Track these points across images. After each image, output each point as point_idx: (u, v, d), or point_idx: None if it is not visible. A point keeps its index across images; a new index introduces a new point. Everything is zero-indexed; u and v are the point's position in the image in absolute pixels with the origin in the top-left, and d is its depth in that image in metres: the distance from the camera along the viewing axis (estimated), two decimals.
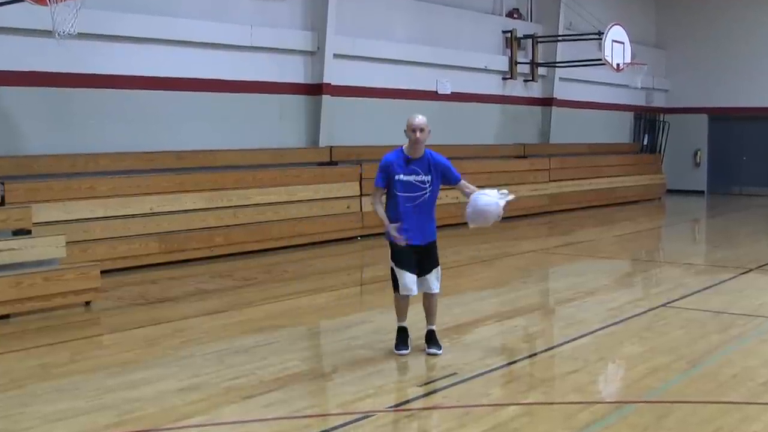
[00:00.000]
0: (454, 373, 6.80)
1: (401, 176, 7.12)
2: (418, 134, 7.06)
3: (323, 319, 9.28)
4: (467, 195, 7.23)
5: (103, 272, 9.95)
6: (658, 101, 26.87)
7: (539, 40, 21.28)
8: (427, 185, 7.13)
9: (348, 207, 15.26)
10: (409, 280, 7.18)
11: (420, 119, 7.09)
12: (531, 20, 21.94)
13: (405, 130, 7.15)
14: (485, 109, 20.10)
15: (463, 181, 7.33)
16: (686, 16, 26.55)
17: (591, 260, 13.59)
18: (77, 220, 11.43)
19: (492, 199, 7.00)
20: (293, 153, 15.29)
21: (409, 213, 7.13)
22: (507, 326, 8.79)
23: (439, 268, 7.32)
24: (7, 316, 8.85)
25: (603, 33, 19.87)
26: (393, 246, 7.20)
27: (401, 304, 7.39)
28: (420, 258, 7.21)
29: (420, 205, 7.14)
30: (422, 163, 7.15)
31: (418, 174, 7.12)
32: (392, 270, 7.31)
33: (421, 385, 6.61)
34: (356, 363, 7.12)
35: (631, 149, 25.78)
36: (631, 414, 5.99)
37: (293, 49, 15.42)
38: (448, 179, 7.26)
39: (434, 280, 7.28)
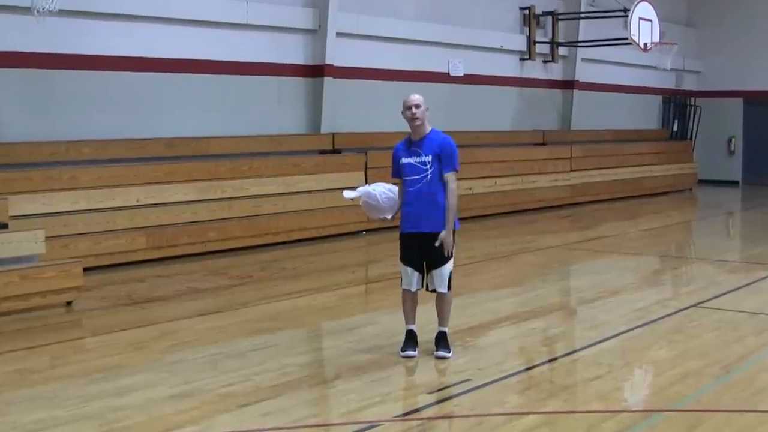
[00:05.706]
0: (468, 379, 6.80)
1: (403, 159, 7.30)
2: (414, 110, 7.15)
3: (325, 321, 9.28)
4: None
5: (85, 269, 9.96)
6: (689, 84, 26.80)
7: (560, 17, 21.23)
8: (428, 166, 7.18)
9: (352, 199, 15.20)
10: (408, 273, 7.33)
11: (414, 96, 7.24)
12: None
13: (402, 112, 7.25)
14: (501, 93, 20.06)
15: (451, 175, 7.21)
16: None
17: (616, 257, 13.57)
18: (58, 213, 11.43)
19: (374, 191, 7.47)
20: (293, 140, 15.27)
21: (413, 198, 7.25)
22: (525, 328, 8.78)
23: (447, 266, 7.27)
24: None
25: (629, 10, 19.78)
26: (400, 238, 7.38)
27: (406, 303, 7.45)
28: (424, 250, 7.23)
29: (422, 189, 7.18)
30: (423, 143, 7.24)
31: (418, 155, 7.22)
32: None
33: (431, 392, 6.60)
34: (361, 368, 7.11)
35: (660, 136, 25.73)
36: (660, 423, 5.99)
37: (293, 27, 15.39)
38: (441, 163, 7.18)
39: (442, 279, 7.27)
